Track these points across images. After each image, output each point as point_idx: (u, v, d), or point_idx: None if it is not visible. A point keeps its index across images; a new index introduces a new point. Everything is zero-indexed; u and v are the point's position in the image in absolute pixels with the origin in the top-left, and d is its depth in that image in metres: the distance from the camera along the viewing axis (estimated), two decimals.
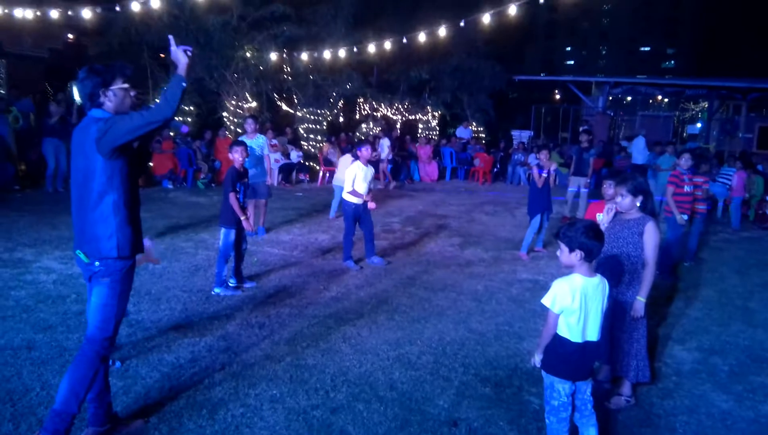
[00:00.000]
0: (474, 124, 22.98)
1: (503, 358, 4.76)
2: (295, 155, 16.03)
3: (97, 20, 14.15)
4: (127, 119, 3.00)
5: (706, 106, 24.12)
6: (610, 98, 23.30)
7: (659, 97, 26.62)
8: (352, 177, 7.38)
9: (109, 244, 3.09)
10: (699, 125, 25.40)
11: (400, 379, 4.27)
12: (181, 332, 4.96)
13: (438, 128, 23.79)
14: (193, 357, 4.47)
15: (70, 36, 17.10)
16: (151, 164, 13.51)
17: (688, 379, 4.54)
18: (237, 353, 4.60)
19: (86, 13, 13.12)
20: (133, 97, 3.19)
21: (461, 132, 21.57)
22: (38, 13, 13.38)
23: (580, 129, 14.42)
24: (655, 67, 47.73)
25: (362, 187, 7.40)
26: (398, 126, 22.14)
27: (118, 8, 12.80)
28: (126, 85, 3.15)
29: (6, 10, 13.23)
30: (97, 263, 3.11)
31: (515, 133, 23.84)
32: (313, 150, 17.84)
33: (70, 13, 13.48)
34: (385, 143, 16.21)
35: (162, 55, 15.70)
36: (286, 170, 15.52)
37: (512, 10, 11.78)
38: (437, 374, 4.39)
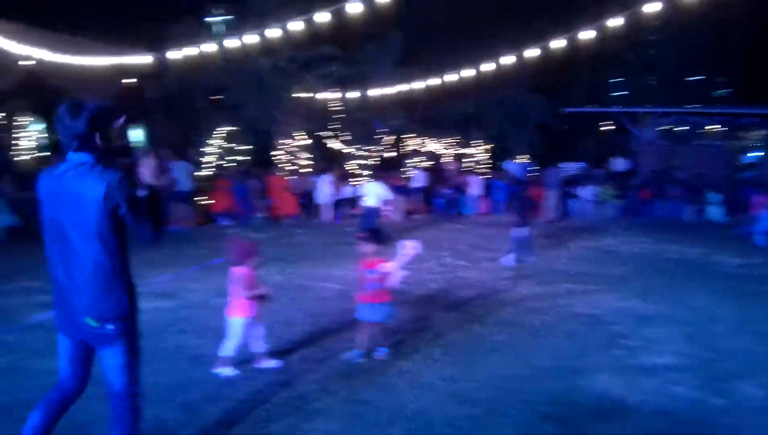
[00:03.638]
0: (522, 157, 22.90)
1: (564, 395, 4.66)
2: (348, 191, 16.28)
3: (153, 65, 14.75)
4: (131, 199, 2.85)
5: (765, 133, 23.46)
6: (660, 129, 22.92)
7: (711, 127, 26.06)
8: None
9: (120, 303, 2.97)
10: (756, 154, 24.69)
11: (458, 416, 4.22)
12: (240, 366, 5.03)
13: (489, 162, 23.76)
14: (252, 390, 4.53)
15: (127, 81, 17.83)
16: (210, 201, 13.98)
17: (757, 417, 4.36)
18: (294, 387, 4.64)
19: (144, 59, 13.73)
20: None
21: (509, 165, 21.46)
22: (97, 62, 14.07)
23: None
24: (706, 96, 46.86)
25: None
26: (443, 160, 22.21)
27: (170, 55, 13.32)
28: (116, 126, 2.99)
29: (68, 59, 13.93)
30: (109, 326, 2.96)
31: (564, 165, 23.59)
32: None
33: (126, 59, 14.14)
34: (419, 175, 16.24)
35: (214, 98, 16.28)
36: (339, 206, 15.78)
37: (557, 44, 11.81)
38: (496, 411, 4.33)
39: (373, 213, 11.91)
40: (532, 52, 12.34)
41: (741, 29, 30.01)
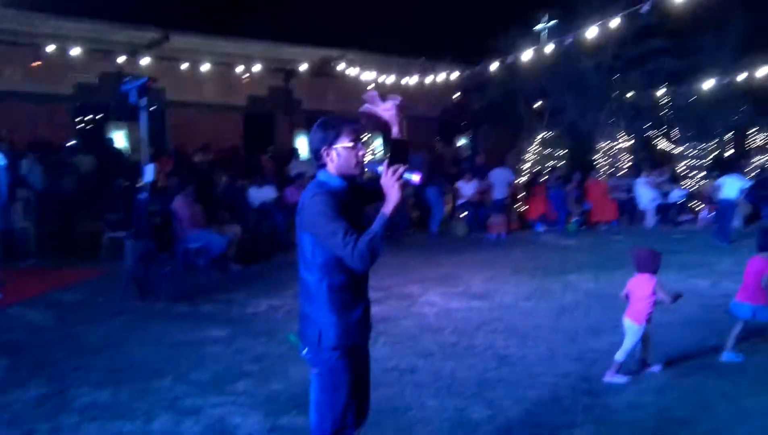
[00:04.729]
0: None
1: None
2: (677, 194, 15.02)
3: (480, 77, 15.50)
4: (327, 223, 2.49)
5: None
6: None
7: None
8: None
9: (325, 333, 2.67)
10: None
11: None
12: (544, 367, 5.10)
13: None
14: (555, 396, 4.55)
15: (457, 94, 18.99)
16: (525, 207, 14.27)
17: None
18: (599, 396, 4.53)
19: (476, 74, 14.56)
20: (361, 156, 2.68)
21: None
22: (437, 80, 15.36)
23: None
24: None
25: None
26: None
27: (494, 67, 13.80)
28: (351, 144, 2.66)
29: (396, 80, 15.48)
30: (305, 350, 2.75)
31: None
32: (698, 188, 16.46)
33: (457, 74, 15.13)
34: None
35: (535, 106, 16.49)
36: (664, 210, 14.66)
37: None
38: None
39: (730, 208, 11.62)
40: None
41: None
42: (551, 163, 16.28)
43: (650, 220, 14.24)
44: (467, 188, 13.83)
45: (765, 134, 18.69)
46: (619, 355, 4.84)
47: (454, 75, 15.22)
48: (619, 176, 15.92)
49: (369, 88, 13.53)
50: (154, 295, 7.42)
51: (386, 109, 2.83)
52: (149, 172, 7.39)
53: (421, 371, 5.08)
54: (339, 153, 2.65)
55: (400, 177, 2.48)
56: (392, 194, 2.49)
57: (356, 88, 13.78)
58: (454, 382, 4.83)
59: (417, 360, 5.35)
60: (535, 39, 14.08)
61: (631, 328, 4.88)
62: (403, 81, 15.45)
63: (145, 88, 7.11)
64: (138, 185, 7.63)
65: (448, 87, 16.32)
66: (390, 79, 15.45)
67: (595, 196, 14.28)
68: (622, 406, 4.37)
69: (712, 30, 15.91)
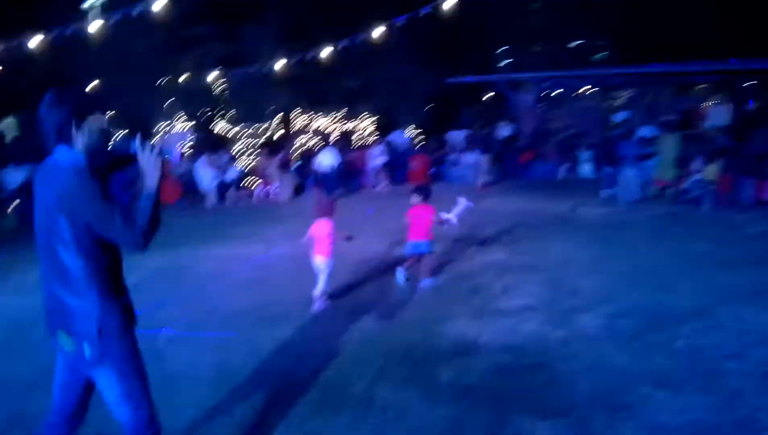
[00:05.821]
0: (409, 128, 23.39)
1: (421, 342, 5.01)
2: (233, 173, 16.04)
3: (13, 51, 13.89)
4: (100, 207, 2.38)
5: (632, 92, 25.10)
6: (540, 93, 24.02)
7: (587, 89, 27.52)
8: None
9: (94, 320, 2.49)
10: (624, 113, 26.39)
11: (322, 368, 4.49)
12: None
13: (377, 135, 24.14)
14: None
15: None
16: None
17: (591, 343, 4.88)
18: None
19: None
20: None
21: (396, 136, 21.86)
22: None
23: None
24: (586, 60, 49.13)
25: None
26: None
27: (37, 41, 12.62)
28: (102, 118, 2.57)
29: None
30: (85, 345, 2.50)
31: (452, 133, 24.28)
32: (252, 166, 17.92)
33: None
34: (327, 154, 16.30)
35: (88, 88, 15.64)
36: (224, 188, 15.53)
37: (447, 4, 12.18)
38: (358, 361, 4.61)
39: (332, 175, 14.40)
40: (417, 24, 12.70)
41: None
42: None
43: (212, 199, 15.01)
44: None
45: (305, 116, 21.35)
46: (322, 286, 6.02)
47: None
48: (180, 157, 16.33)
49: None
50: None
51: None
52: None
53: None
54: (91, 129, 2.50)
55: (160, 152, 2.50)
56: (153, 170, 2.51)
57: None
58: None
59: None
60: (84, 16, 13.35)
61: (323, 262, 6.00)
62: None
63: None
64: None
65: None
66: None
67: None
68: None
69: (256, 19, 17.45)
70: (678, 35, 28.11)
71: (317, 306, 5.98)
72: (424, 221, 6.73)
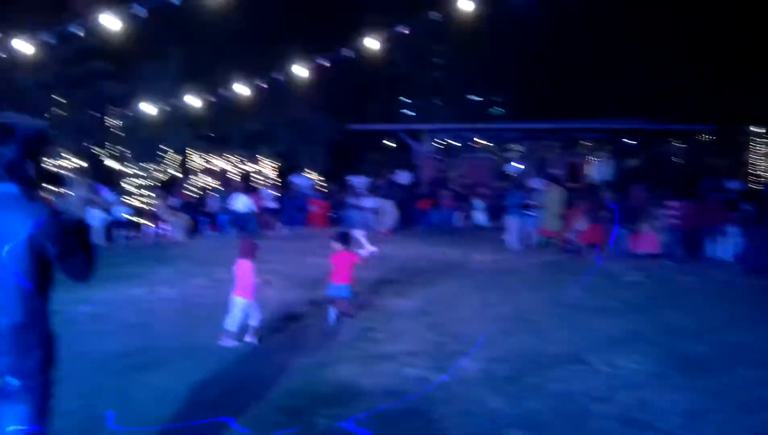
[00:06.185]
0: (310, 172, 23.46)
1: (302, 387, 4.93)
2: (120, 211, 15.29)
3: None
4: (69, 240, 2.38)
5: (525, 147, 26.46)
6: (438, 144, 24.88)
7: (484, 142, 28.73)
8: None
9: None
10: (519, 165, 27.74)
11: (191, 417, 4.32)
12: None
13: (278, 179, 24.02)
14: None
15: None
16: None
17: (469, 387, 4.98)
18: None
19: None
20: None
21: (297, 180, 21.84)
22: None
23: None
24: (483, 114, 51.50)
25: None
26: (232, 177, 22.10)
27: None
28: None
29: None
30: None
31: (352, 179, 24.53)
32: (144, 206, 17.30)
33: None
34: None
35: None
36: (113, 227, 14.83)
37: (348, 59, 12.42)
38: (230, 409, 4.47)
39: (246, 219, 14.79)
40: (319, 71, 12.92)
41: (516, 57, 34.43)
42: None
43: (99, 237, 14.27)
44: None
45: (205, 157, 20.99)
46: (230, 325, 5.95)
47: None
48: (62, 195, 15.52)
49: None
50: None
51: None
52: None
53: None
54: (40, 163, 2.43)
55: None
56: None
57: None
58: None
59: None
60: None
61: (240, 302, 5.99)
62: None
63: None
64: None
65: None
66: None
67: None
68: None
69: (153, 58, 17.12)
70: (568, 95, 30.24)
71: (225, 341, 5.95)
72: (345, 266, 6.95)
